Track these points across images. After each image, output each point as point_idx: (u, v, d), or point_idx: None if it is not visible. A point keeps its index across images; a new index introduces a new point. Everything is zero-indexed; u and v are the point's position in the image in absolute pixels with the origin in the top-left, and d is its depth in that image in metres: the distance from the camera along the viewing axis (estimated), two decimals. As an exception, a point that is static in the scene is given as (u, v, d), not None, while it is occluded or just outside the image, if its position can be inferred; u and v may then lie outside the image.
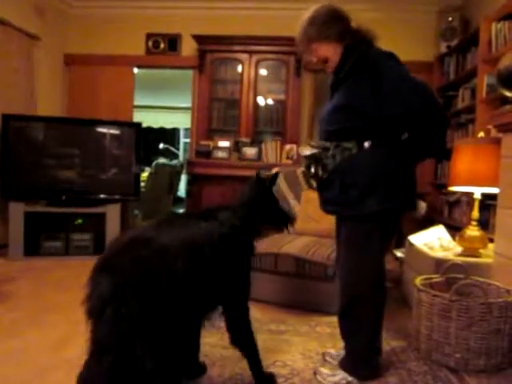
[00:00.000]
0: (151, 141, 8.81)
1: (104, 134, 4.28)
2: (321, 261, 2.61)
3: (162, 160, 6.26)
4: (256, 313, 2.61)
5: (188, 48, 4.91)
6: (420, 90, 1.64)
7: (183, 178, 6.55)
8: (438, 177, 4.37)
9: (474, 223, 2.58)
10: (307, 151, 1.77)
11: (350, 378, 1.79)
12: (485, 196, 2.70)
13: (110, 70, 5.04)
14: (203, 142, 4.73)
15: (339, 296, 1.85)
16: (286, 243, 2.86)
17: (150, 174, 5.90)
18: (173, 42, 4.96)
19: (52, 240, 4.00)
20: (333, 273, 2.50)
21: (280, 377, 1.84)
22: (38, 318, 2.34)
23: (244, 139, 4.67)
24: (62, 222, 4.04)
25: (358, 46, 1.71)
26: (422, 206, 3.14)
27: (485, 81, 3.37)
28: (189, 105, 5.19)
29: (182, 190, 7.31)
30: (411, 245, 2.85)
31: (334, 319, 1.93)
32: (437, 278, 2.28)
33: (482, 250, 2.56)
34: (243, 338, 1.66)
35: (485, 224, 2.85)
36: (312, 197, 2.90)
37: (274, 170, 1.69)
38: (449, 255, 2.54)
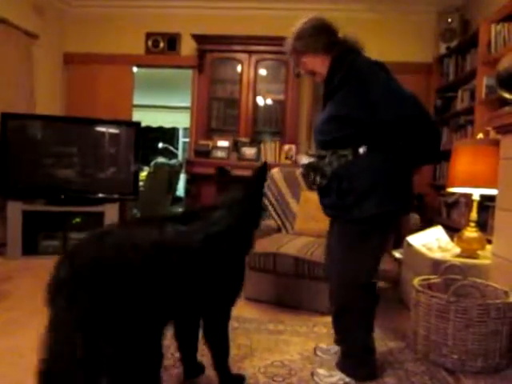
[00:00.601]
0: (150, 140, 8.81)
1: (103, 133, 4.27)
2: (320, 261, 2.60)
3: (160, 159, 6.25)
4: (254, 313, 2.62)
5: (187, 47, 4.91)
6: (409, 97, 1.64)
7: (182, 178, 6.54)
8: (436, 178, 4.37)
9: (473, 224, 2.59)
10: (305, 160, 1.81)
11: (347, 379, 1.80)
12: (483, 197, 2.70)
13: (109, 69, 5.04)
14: (202, 142, 4.73)
15: (331, 298, 1.87)
16: (284, 243, 2.86)
17: (149, 173, 5.89)
18: (172, 42, 4.95)
19: (50, 239, 3.99)
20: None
21: (278, 376, 1.84)
22: (36, 318, 2.36)
23: (243, 139, 4.68)
24: (61, 221, 4.03)
25: (345, 56, 1.72)
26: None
27: (484, 82, 3.37)
28: (188, 104, 5.19)
29: (180, 190, 7.30)
30: (409, 245, 2.85)
31: (332, 320, 1.93)
32: (435, 279, 2.28)
33: (480, 252, 2.56)
34: (216, 337, 1.66)
35: (483, 225, 2.85)
36: (311, 197, 2.91)
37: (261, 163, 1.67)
38: (447, 256, 2.55)
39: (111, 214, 4.04)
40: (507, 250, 2.20)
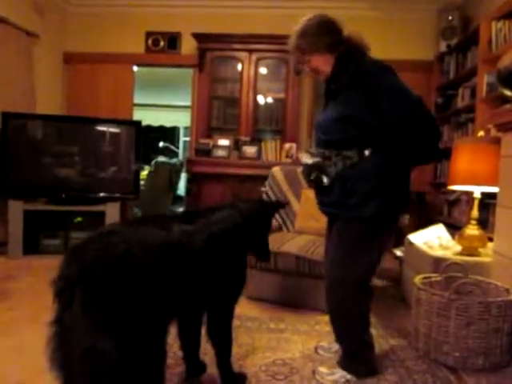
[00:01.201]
0: (151, 139, 8.81)
1: (103, 133, 4.27)
2: (321, 259, 2.60)
3: (161, 158, 6.25)
4: (256, 311, 2.62)
5: (188, 46, 4.91)
6: (415, 100, 1.64)
7: (183, 177, 6.54)
8: (437, 176, 4.37)
9: (474, 222, 2.59)
10: (308, 160, 1.80)
11: (348, 377, 1.80)
12: (484, 195, 2.70)
13: (109, 68, 5.04)
14: (203, 141, 4.73)
15: (327, 296, 1.86)
16: (286, 242, 2.86)
17: (150, 172, 5.90)
18: (173, 41, 4.95)
19: (51, 238, 4.00)
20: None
21: (280, 375, 1.85)
22: (37, 317, 2.34)
23: (244, 138, 4.67)
24: (62, 221, 4.04)
25: (350, 56, 1.71)
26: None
27: (485, 80, 3.37)
28: (188, 103, 5.19)
29: (181, 189, 7.30)
30: (411, 244, 2.85)
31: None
32: (436, 277, 2.29)
33: (481, 249, 2.56)
34: (220, 335, 1.67)
35: (484, 223, 2.85)
36: (312, 196, 2.90)
37: (283, 201, 1.93)
38: (448, 254, 2.55)
39: (112, 213, 4.04)
40: (508, 248, 2.20)
